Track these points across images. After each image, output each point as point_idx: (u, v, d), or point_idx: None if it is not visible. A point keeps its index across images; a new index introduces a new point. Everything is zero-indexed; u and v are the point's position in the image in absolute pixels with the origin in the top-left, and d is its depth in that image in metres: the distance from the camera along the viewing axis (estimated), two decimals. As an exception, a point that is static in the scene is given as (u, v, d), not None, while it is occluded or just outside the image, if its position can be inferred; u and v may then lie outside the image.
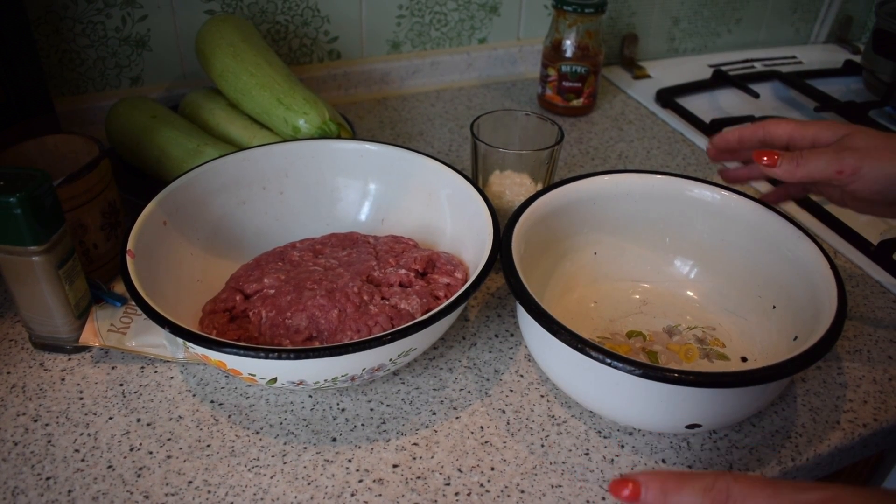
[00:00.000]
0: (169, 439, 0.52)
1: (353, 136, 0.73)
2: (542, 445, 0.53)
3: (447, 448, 0.52)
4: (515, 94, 1.03)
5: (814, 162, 0.55)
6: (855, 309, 0.67)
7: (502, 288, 0.68)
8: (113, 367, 0.57)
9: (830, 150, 0.56)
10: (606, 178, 0.64)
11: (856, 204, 0.60)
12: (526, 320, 0.53)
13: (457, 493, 0.49)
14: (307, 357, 0.46)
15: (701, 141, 0.93)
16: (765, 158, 0.56)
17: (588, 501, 0.49)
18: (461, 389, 0.57)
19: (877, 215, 0.60)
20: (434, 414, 0.55)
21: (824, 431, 0.55)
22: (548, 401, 0.57)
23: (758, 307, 0.60)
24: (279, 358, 0.46)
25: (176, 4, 0.85)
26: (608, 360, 0.46)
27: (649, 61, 1.15)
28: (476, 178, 0.69)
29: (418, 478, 0.50)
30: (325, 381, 0.50)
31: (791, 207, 0.80)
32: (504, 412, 0.55)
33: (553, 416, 0.55)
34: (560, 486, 0.50)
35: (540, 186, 0.68)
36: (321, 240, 0.64)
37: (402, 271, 0.58)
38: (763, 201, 0.62)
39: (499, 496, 0.49)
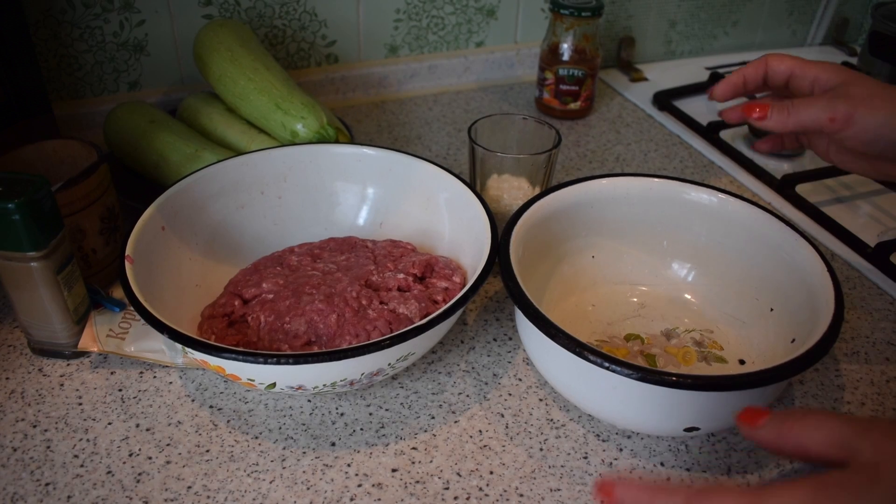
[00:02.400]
0: (168, 444, 0.52)
1: (351, 141, 0.73)
2: (541, 449, 0.53)
3: (446, 452, 0.52)
4: (513, 97, 1.03)
5: (805, 110, 0.54)
6: (852, 311, 0.67)
7: (500, 292, 0.68)
8: (112, 373, 0.58)
9: (823, 97, 0.55)
10: (604, 181, 0.64)
11: (841, 157, 0.58)
12: (524, 324, 0.53)
13: (456, 497, 0.49)
14: (306, 362, 0.46)
15: (698, 143, 0.94)
16: (756, 111, 0.55)
17: (587, 505, 0.49)
18: (460, 393, 0.57)
19: (859, 172, 0.59)
20: (433, 418, 0.55)
21: (822, 434, 0.55)
22: (546, 404, 0.57)
23: (755, 310, 0.60)
24: (278, 363, 0.46)
25: (174, 9, 0.85)
26: (606, 364, 0.46)
27: (646, 64, 1.15)
28: (474, 182, 0.69)
29: (417, 482, 0.50)
30: (324, 385, 0.50)
31: (787, 209, 0.81)
32: (503, 416, 0.55)
33: (551, 420, 0.55)
34: (559, 489, 0.50)
35: (538, 190, 0.68)
36: (320, 244, 0.64)
37: (401, 275, 0.58)
38: (762, 206, 0.62)
39: (497, 500, 0.49)
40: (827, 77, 0.56)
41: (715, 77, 1.09)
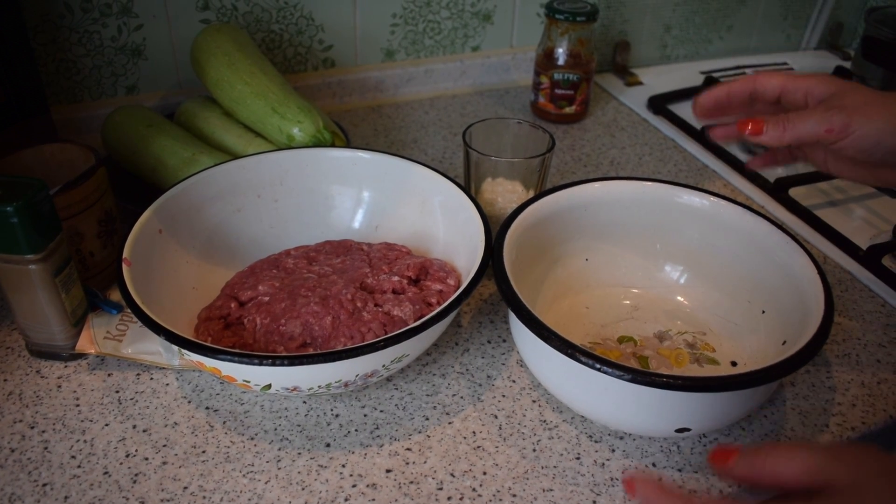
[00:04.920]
0: (164, 445, 0.53)
1: (347, 144, 0.74)
2: (534, 450, 0.53)
3: (440, 453, 0.53)
4: (508, 101, 1.04)
5: (801, 123, 0.54)
6: (844, 313, 0.68)
7: (495, 294, 0.68)
8: (109, 375, 0.58)
9: (818, 109, 0.54)
10: (598, 184, 0.65)
11: (839, 166, 0.58)
12: (518, 326, 0.53)
13: (449, 498, 0.50)
14: (301, 363, 0.46)
15: (692, 147, 0.94)
16: (749, 127, 0.54)
17: (579, 505, 0.50)
18: (454, 395, 0.58)
19: (859, 181, 0.59)
20: (427, 419, 0.56)
21: (813, 435, 0.56)
22: (539, 406, 0.57)
23: (747, 312, 0.61)
24: (273, 364, 0.46)
25: (171, 14, 0.85)
26: (598, 366, 0.46)
27: (641, 68, 1.16)
28: (469, 186, 0.70)
29: (411, 482, 0.51)
30: (319, 387, 0.50)
31: (781, 213, 0.81)
32: (496, 417, 0.56)
33: (545, 421, 0.56)
34: (551, 489, 0.51)
35: (532, 193, 0.68)
36: (315, 247, 0.65)
37: (396, 278, 0.59)
38: (754, 209, 0.62)
39: (491, 500, 0.50)
40: (820, 88, 0.56)
41: (710, 81, 1.10)
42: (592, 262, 0.66)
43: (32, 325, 0.56)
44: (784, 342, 0.55)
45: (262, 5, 0.89)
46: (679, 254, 0.66)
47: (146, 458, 0.51)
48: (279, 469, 0.51)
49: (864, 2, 1.26)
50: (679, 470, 0.53)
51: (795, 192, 0.83)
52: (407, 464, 0.52)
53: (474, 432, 0.55)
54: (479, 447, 0.53)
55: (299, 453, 0.53)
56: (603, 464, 0.53)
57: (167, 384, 0.57)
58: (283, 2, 0.90)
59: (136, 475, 0.50)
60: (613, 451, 0.54)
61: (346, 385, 0.51)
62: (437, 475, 0.51)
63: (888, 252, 0.72)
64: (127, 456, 0.52)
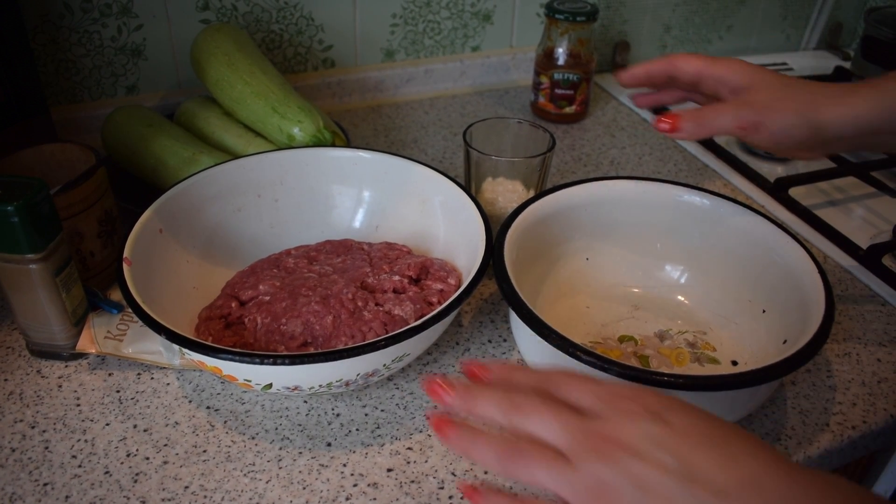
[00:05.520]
0: (165, 445, 0.52)
1: (348, 144, 0.74)
2: (535, 449, 0.53)
3: (441, 452, 0.53)
4: (508, 101, 1.04)
5: (715, 120, 0.55)
6: (844, 313, 0.68)
7: (495, 294, 0.68)
8: (109, 374, 0.58)
9: (731, 106, 0.56)
10: (598, 184, 0.65)
11: (762, 146, 0.60)
12: (518, 325, 0.53)
13: (451, 497, 0.50)
14: (302, 363, 0.46)
15: (692, 147, 0.94)
16: (665, 123, 0.56)
17: (580, 504, 0.50)
18: (455, 394, 0.58)
19: (781, 155, 0.60)
20: (428, 418, 0.55)
21: (814, 434, 0.56)
22: (541, 405, 0.57)
23: (748, 311, 0.61)
24: (274, 363, 0.46)
25: (171, 14, 0.85)
26: (599, 364, 0.46)
27: (641, 68, 1.16)
28: (469, 186, 0.70)
29: (412, 482, 0.51)
30: (320, 386, 0.50)
31: (781, 212, 0.81)
32: (497, 416, 0.56)
33: (546, 420, 0.56)
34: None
35: (532, 193, 0.68)
36: (316, 247, 0.65)
37: (396, 277, 0.59)
38: (755, 208, 0.62)
39: (492, 499, 0.50)
40: (733, 78, 0.58)
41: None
42: (593, 261, 0.66)
43: (33, 324, 0.56)
44: (785, 341, 0.55)
45: (262, 5, 0.89)
46: (680, 253, 0.66)
47: (147, 458, 0.51)
48: (280, 468, 0.51)
49: (864, 2, 1.26)
50: (680, 469, 0.53)
51: (795, 192, 0.83)
52: (408, 463, 0.52)
53: (475, 432, 0.55)
54: (480, 446, 0.53)
55: (300, 453, 0.53)
56: (604, 463, 0.53)
57: (168, 384, 0.57)
58: (282, 2, 0.90)
59: (136, 475, 0.50)
60: (614, 450, 0.54)
61: (347, 384, 0.51)
62: (438, 474, 0.51)
63: (888, 251, 0.73)
64: (128, 455, 0.52)
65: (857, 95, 0.55)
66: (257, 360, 0.46)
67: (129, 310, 0.52)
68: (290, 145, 0.71)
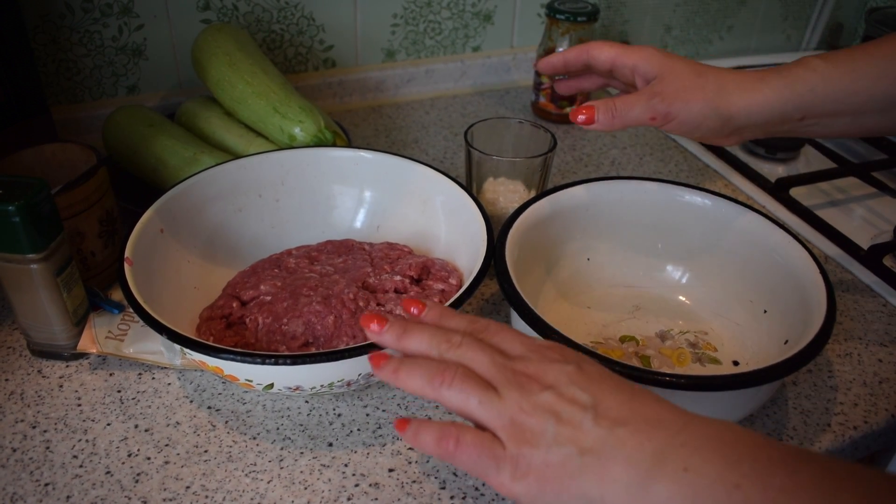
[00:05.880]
0: (167, 445, 0.52)
1: (349, 144, 0.74)
2: (537, 449, 0.53)
3: (442, 452, 0.53)
4: (509, 101, 1.04)
5: (629, 112, 0.56)
6: (845, 313, 0.68)
7: (497, 294, 0.68)
8: (111, 374, 0.58)
9: (643, 97, 0.57)
10: (599, 184, 0.65)
11: (676, 133, 0.60)
12: (520, 326, 0.53)
13: (452, 497, 0.50)
14: (303, 362, 0.46)
15: (693, 147, 0.94)
16: (581, 116, 0.57)
17: None
18: (456, 394, 0.58)
19: (697, 142, 0.61)
20: (429, 419, 0.55)
21: (815, 434, 0.56)
22: (542, 405, 0.57)
23: (749, 311, 0.61)
24: (276, 363, 0.46)
25: (172, 14, 0.85)
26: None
27: (642, 68, 1.16)
28: (470, 186, 0.70)
29: (414, 482, 0.51)
30: (322, 386, 0.50)
31: (781, 212, 0.81)
32: (499, 417, 0.56)
33: (547, 421, 0.56)
34: (554, 489, 0.50)
35: (533, 193, 0.68)
36: (317, 247, 0.65)
37: (398, 277, 0.59)
38: (756, 209, 0.62)
39: (493, 500, 0.50)
40: (646, 67, 0.58)
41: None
42: (594, 261, 0.66)
43: (34, 324, 0.56)
44: (786, 342, 0.55)
45: (263, 5, 0.89)
46: (681, 253, 0.66)
47: (148, 458, 0.51)
48: (281, 468, 0.51)
49: (865, 2, 1.26)
50: (681, 469, 0.53)
51: (796, 192, 0.83)
52: (409, 463, 0.52)
53: (476, 432, 0.54)
54: (481, 447, 0.53)
55: (302, 453, 0.53)
56: (605, 463, 0.53)
57: (169, 384, 0.57)
58: (283, 2, 0.90)
59: (138, 475, 0.50)
60: (616, 450, 0.54)
61: (348, 384, 0.51)
62: (439, 475, 0.51)
63: (889, 252, 0.73)
64: (129, 455, 0.52)
65: (765, 83, 0.55)
66: (259, 360, 0.46)
67: (131, 310, 0.52)
68: (292, 145, 0.71)
